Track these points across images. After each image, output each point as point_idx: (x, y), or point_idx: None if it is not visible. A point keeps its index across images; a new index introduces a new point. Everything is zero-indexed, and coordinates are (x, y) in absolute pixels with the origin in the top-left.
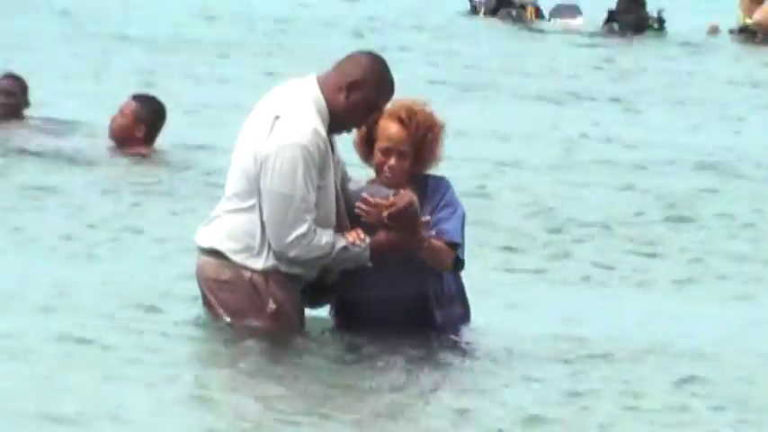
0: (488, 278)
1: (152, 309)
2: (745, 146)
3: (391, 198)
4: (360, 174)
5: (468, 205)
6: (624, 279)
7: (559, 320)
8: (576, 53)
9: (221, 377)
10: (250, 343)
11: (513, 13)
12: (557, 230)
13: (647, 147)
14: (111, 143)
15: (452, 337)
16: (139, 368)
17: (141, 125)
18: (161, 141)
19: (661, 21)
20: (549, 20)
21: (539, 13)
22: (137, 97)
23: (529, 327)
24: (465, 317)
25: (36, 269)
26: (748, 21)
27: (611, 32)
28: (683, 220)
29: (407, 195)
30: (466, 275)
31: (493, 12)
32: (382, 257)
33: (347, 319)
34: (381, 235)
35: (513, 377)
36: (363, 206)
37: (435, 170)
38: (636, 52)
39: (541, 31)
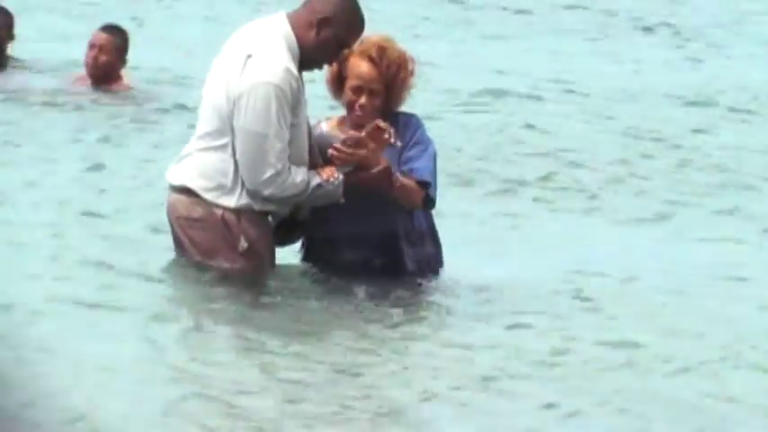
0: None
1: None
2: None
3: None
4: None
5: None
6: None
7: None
8: None
9: (191, 322)
10: (221, 286)
11: None
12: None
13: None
14: (83, 81)
15: (422, 280)
16: (106, 313)
17: (122, 59)
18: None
19: None
20: None
21: None
22: (108, 29)
23: (503, 269)
24: (437, 256)
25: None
26: None
27: None
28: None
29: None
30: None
31: None
32: (354, 194)
33: (316, 258)
34: (352, 172)
35: (479, 332)
36: (336, 151)
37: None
38: None
39: None
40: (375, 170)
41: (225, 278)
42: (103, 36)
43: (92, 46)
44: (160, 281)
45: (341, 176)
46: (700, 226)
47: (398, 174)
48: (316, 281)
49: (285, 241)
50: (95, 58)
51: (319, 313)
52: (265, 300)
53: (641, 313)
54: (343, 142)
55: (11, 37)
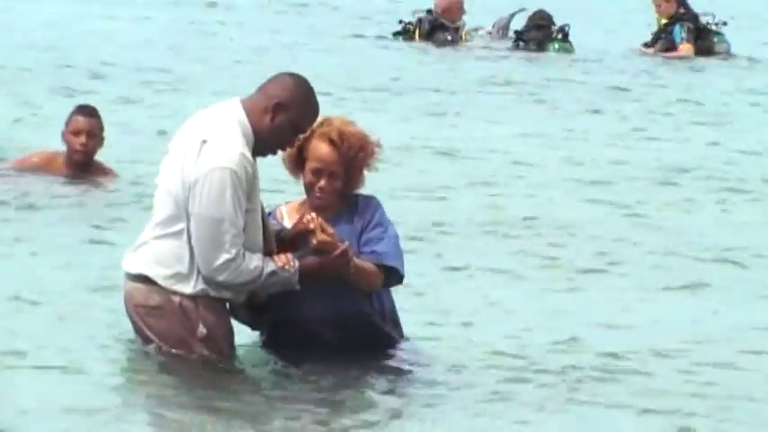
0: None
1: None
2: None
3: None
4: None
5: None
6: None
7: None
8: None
9: (150, 403)
10: (181, 371)
11: (449, 36)
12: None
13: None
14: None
15: (382, 356)
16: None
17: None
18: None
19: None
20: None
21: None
22: (86, 111)
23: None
24: (397, 335)
25: None
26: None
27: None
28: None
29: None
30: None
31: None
32: (311, 280)
33: (279, 340)
34: (310, 259)
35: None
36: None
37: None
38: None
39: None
40: (333, 254)
41: (184, 365)
42: (91, 121)
43: (78, 132)
44: (121, 368)
45: (297, 264)
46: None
47: (355, 257)
48: (276, 366)
49: (259, 324)
50: (85, 145)
51: (282, 400)
52: (226, 386)
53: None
54: (294, 227)
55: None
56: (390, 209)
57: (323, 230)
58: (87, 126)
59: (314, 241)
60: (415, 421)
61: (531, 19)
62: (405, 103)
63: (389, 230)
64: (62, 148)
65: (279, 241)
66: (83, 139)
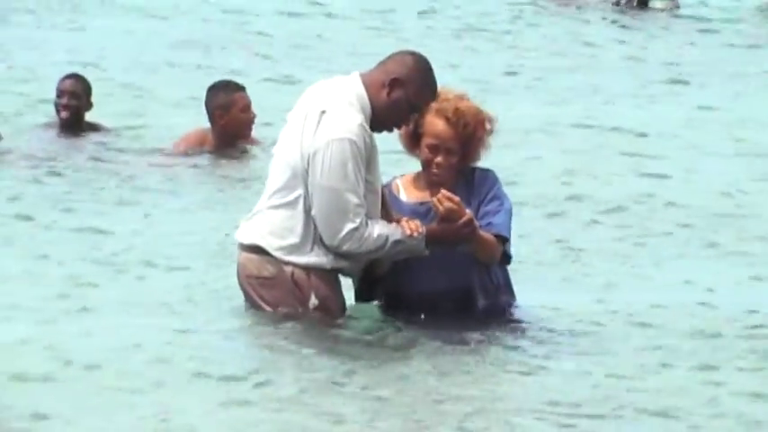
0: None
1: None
2: None
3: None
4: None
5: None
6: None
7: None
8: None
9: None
10: (290, 331)
11: None
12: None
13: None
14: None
15: (497, 322)
16: (177, 365)
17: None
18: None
19: None
20: None
21: None
22: (231, 86)
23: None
24: (511, 304)
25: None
26: None
27: None
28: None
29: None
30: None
31: None
32: (435, 248)
33: (393, 310)
34: (434, 226)
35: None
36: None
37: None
38: None
39: None
40: (460, 222)
41: (293, 332)
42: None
43: (246, 108)
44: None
45: (424, 231)
46: None
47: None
48: (389, 332)
49: (369, 297)
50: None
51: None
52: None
53: None
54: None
55: (89, 105)
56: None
57: (450, 199)
58: (249, 99)
59: (441, 209)
60: (531, 386)
61: None
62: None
63: (506, 204)
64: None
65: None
66: (251, 113)
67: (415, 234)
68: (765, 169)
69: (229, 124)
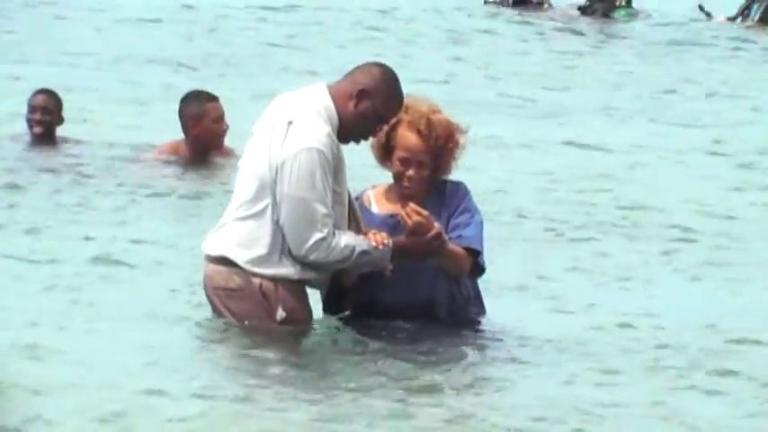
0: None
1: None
2: None
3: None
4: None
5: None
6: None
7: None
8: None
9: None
10: (258, 343)
11: None
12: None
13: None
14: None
15: (464, 332)
16: (146, 378)
17: None
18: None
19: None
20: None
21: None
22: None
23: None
24: (480, 315)
25: None
26: None
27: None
28: None
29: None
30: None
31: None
32: (401, 261)
33: (360, 321)
34: (402, 239)
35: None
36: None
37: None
38: None
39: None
40: (428, 235)
41: (262, 339)
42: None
43: (219, 119)
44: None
45: (390, 243)
46: None
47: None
48: (351, 339)
49: (337, 309)
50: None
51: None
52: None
53: None
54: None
55: (60, 119)
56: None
57: (418, 213)
58: (222, 110)
59: (409, 222)
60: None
61: None
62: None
63: (476, 217)
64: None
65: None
66: (223, 124)
67: (380, 246)
68: (750, 180)
69: (202, 134)
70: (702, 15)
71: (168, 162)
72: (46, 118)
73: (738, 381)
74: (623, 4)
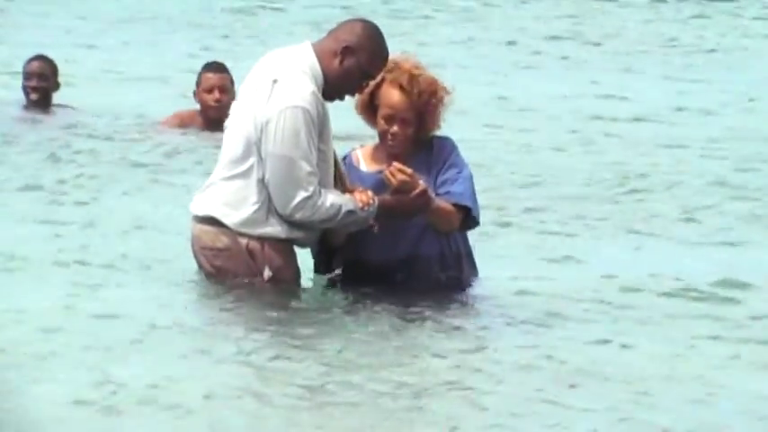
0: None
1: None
2: None
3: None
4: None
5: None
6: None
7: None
8: None
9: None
10: (246, 309)
11: None
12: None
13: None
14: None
15: (456, 296)
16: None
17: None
18: None
19: None
20: None
21: None
22: (214, 67)
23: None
24: (472, 277)
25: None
26: None
27: None
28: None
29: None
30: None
31: None
32: (389, 219)
33: (350, 280)
34: (388, 198)
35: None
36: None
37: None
38: None
39: None
40: (413, 193)
41: (247, 306)
42: (222, 76)
43: (211, 89)
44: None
45: (376, 203)
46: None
47: (434, 196)
48: (344, 299)
49: (327, 269)
50: (219, 100)
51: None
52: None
53: None
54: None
55: (57, 85)
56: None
57: (402, 171)
58: (219, 82)
59: (394, 181)
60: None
61: None
62: None
63: (464, 172)
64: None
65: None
66: (216, 94)
67: (366, 206)
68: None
69: (200, 104)
70: None
71: (182, 131)
72: (42, 84)
73: None
74: None
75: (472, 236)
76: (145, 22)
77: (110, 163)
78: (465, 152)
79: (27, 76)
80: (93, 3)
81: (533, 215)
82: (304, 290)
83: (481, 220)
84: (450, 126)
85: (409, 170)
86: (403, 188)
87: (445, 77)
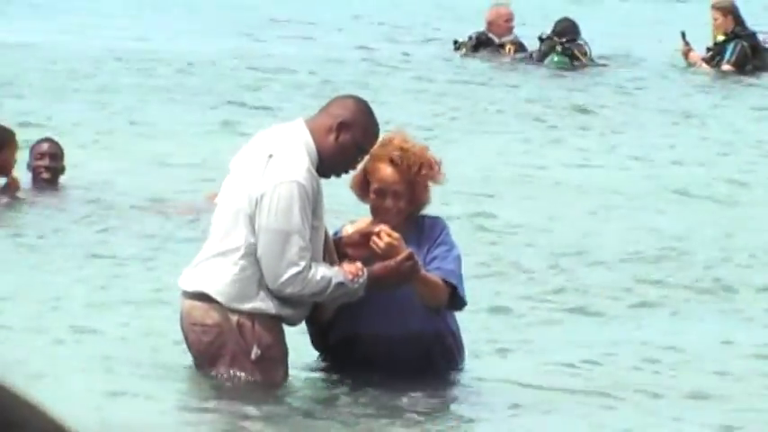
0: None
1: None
2: None
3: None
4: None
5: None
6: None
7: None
8: None
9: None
10: (234, 391)
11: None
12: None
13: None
14: None
15: (451, 379)
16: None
17: None
18: None
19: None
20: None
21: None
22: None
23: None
24: (462, 358)
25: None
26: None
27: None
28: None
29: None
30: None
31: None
32: (378, 289)
33: (342, 360)
34: (376, 266)
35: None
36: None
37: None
38: None
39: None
40: (399, 257)
41: (233, 388)
42: None
43: None
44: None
45: (365, 273)
46: None
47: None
48: (332, 392)
49: (324, 347)
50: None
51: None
52: (276, 413)
53: None
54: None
55: (63, 168)
56: None
57: (389, 235)
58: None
59: (380, 244)
60: None
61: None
62: None
63: (453, 251)
64: None
65: (341, 247)
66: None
67: (356, 278)
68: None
69: None
70: (681, 45)
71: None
72: (53, 164)
73: None
74: (559, 50)
75: None
76: None
77: None
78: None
79: (39, 155)
80: None
81: None
82: (289, 381)
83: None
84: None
85: (396, 234)
86: (389, 252)
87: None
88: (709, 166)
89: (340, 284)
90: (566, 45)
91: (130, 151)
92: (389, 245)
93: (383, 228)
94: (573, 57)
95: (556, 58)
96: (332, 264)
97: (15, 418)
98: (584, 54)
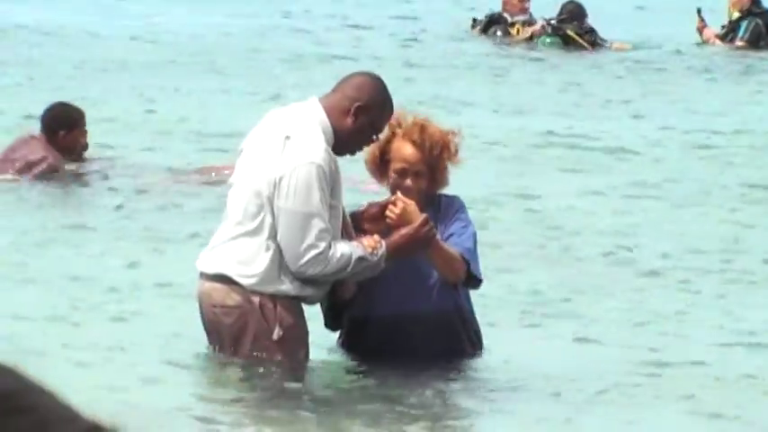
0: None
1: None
2: None
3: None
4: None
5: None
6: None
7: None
8: None
9: (226, 413)
10: (253, 374)
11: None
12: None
13: None
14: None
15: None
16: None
17: None
18: None
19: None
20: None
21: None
22: None
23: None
24: (479, 342)
25: None
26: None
27: None
28: None
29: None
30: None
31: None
32: (396, 258)
33: (360, 341)
34: (393, 236)
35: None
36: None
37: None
38: None
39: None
40: (415, 223)
41: (255, 368)
42: None
43: None
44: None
45: (383, 247)
46: None
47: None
48: (351, 376)
49: (338, 325)
50: None
51: (352, 414)
52: (297, 394)
53: None
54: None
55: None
56: None
57: (404, 201)
58: None
59: (396, 210)
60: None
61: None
62: None
63: (469, 228)
64: None
65: (360, 222)
66: None
67: (375, 250)
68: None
69: None
70: (697, 21)
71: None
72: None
73: None
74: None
75: None
76: None
77: None
78: None
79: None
80: None
81: None
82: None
83: None
84: None
85: (411, 201)
86: (405, 218)
87: None
88: None
89: (360, 259)
90: (555, 25)
91: (151, 127)
92: (404, 210)
93: (399, 196)
94: (566, 38)
95: (548, 40)
96: (350, 240)
97: (26, 403)
98: (582, 36)
